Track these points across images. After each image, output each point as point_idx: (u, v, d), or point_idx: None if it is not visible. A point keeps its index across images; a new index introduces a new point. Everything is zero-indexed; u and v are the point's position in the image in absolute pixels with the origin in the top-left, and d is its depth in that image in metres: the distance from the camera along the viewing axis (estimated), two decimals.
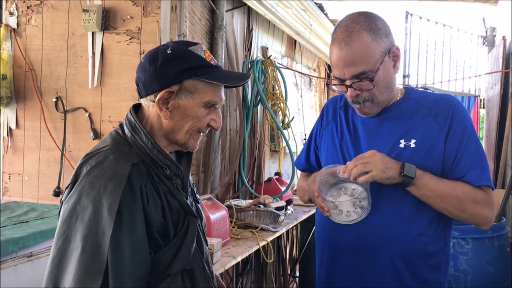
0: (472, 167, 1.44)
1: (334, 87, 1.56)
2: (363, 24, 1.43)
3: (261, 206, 2.89)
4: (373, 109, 1.51)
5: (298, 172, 2.00)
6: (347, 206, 1.50)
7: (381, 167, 1.39)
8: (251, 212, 2.83)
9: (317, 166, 1.76)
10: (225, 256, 2.21)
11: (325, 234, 1.62)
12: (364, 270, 1.50)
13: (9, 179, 2.84)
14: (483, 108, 6.11)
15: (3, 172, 2.85)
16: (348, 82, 1.46)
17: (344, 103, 1.66)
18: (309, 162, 1.79)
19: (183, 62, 1.20)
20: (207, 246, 1.39)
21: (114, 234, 1.06)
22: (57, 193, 2.68)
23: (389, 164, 1.41)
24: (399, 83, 5.39)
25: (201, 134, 1.28)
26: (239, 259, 2.28)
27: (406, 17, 5.39)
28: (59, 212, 1.17)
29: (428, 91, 1.88)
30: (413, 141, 1.48)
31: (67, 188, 1.17)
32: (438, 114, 1.49)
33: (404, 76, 5.50)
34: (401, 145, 1.48)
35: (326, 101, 1.80)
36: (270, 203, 2.94)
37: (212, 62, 1.23)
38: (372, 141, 1.54)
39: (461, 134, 1.46)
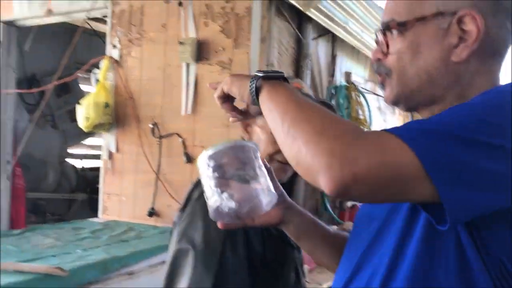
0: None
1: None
2: None
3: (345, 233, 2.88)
4: (389, 93, 0.92)
5: None
6: None
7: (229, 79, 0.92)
8: None
9: None
10: (311, 283, 2.23)
11: None
12: None
13: (108, 199, 3.06)
14: None
15: (103, 192, 3.09)
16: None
17: None
18: None
19: None
20: (305, 277, 1.42)
21: (221, 255, 1.13)
22: (151, 213, 2.85)
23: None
24: None
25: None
26: (325, 286, 2.29)
27: None
28: (171, 232, 1.27)
29: None
30: None
31: (180, 210, 1.27)
32: None
33: None
34: None
35: None
36: None
37: None
38: None
39: None
